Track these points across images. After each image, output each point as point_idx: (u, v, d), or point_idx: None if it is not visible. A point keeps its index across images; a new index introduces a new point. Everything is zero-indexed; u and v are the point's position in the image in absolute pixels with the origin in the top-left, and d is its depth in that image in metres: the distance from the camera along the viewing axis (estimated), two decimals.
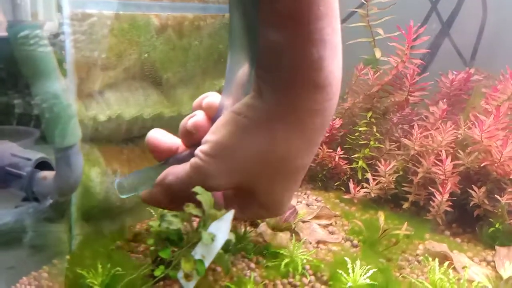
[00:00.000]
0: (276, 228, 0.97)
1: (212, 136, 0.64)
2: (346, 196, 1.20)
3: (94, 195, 0.86)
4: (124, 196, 0.73)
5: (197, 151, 0.65)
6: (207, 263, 0.68)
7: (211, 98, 0.70)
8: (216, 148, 0.63)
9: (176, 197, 0.68)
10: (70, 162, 0.65)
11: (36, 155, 0.69)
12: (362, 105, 1.25)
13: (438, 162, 1.05)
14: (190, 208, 0.65)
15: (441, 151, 1.06)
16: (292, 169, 0.66)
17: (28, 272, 0.77)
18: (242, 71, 0.66)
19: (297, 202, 1.13)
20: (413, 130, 1.12)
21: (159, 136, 0.72)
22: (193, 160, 0.65)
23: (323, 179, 1.28)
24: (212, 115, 0.69)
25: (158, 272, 0.66)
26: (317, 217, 1.06)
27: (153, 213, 0.92)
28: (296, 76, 0.58)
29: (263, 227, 0.97)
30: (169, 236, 0.68)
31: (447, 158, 1.04)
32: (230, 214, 0.66)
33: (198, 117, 0.69)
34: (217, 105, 0.69)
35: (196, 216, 0.68)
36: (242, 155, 0.63)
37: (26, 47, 0.64)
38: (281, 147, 0.62)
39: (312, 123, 0.62)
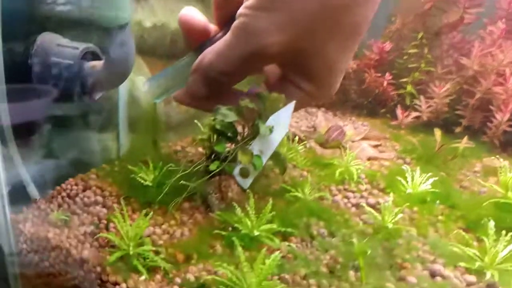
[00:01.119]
0: (325, 146, 0.94)
1: None
2: (393, 122, 1.15)
3: (139, 104, 0.84)
4: (157, 100, 0.68)
5: (241, 9, 0.56)
6: (264, 159, 0.65)
7: None
8: None
9: (216, 84, 0.61)
10: (122, 43, 0.62)
11: (83, 44, 0.66)
12: (412, 26, 1.17)
13: (501, 81, 0.98)
14: (246, 102, 0.62)
15: (503, 70, 0.99)
16: (351, 23, 0.56)
17: (74, 175, 0.76)
18: None
19: (343, 124, 1.09)
20: (472, 48, 1.04)
21: (194, 14, 0.63)
22: (235, 22, 0.57)
23: (368, 105, 1.22)
24: None
25: (213, 167, 0.64)
26: (365, 138, 1.02)
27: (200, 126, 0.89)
28: None
29: (312, 142, 0.94)
30: (224, 131, 0.65)
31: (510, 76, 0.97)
32: (291, 106, 0.62)
33: None
34: None
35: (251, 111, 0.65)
36: (296, 2, 0.53)
37: None
38: None
39: None
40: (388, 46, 1.16)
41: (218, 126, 0.64)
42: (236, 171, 0.65)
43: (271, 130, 0.61)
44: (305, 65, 0.59)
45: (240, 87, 0.66)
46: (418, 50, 1.15)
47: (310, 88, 0.61)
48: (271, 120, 0.63)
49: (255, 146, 0.64)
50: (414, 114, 1.11)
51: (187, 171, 0.66)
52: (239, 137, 0.66)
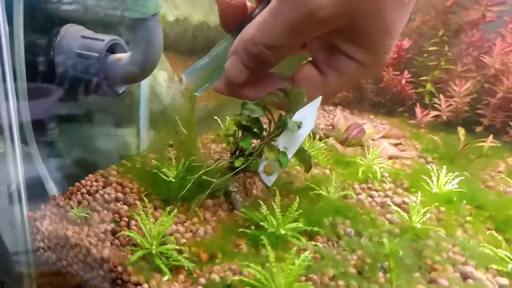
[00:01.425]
0: (345, 144, 0.93)
1: None
2: (412, 121, 1.13)
3: (161, 99, 0.82)
4: (198, 93, 0.64)
5: None
6: (289, 155, 0.64)
7: None
8: None
9: (259, 63, 0.55)
10: (150, 35, 0.60)
11: (108, 36, 0.64)
12: (433, 23, 1.15)
13: None
14: (272, 96, 0.61)
15: None
16: None
17: (95, 170, 0.75)
18: None
19: (362, 122, 1.08)
20: (494, 46, 1.02)
21: None
22: None
23: (386, 104, 1.21)
24: None
25: (238, 163, 0.63)
26: (385, 136, 1.00)
27: (221, 125, 0.87)
28: None
29: (332, 140, 0.92)
30: (250, 126, 0.63)
31: None
32: (317, 101, 0.61)
33: None
34: None
35: (278, 107, 0.63)
36: None
37: None
38: None
39: None
40: (406, 43, 1.14)
41: (244, 122, 0.62)
42: (261, 167, 0.64)
43: (299, 125, 0.60)
44: (359, 29, 0.53)
45: (283, 73, 0.61)
46: (438, 48, 1.13)
47: (365, 56, 0.54)
48: (298, 115, 0.61)
49: (280, 142, 0.63)
50: (434, 113, 1.09)
51: (211, 167, 0.65)
52: (264, 133, 0.65)
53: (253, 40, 0.53)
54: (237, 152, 0.65)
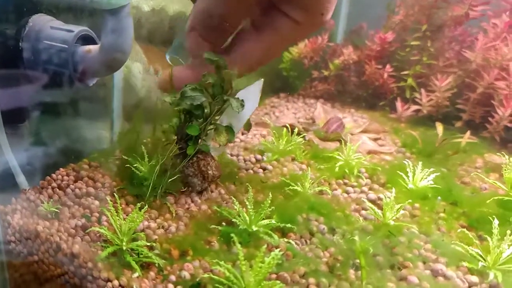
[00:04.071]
0: (324, 138, 0.92)
1: None
2: (392, 115, 1.13)
3: (135, 91, 0.81)
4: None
5: None
6: (236, 131, 0.67)
7: None
8: None
9: (215, 31, 0.57)
10: (120, 27, 0.59)
11: (78, 27, 0.62)
12: (416, 18, 1.15)
13: (504, 75, 0.96)
14: (207, 77, 0.60)
15: (507, 64, 0.97)
16: None
17: (66, 163, 0.74)
18: None
19: (342, 116, 1.07)
20: (476, 41, 1.02)
21: None
22: None
23: (368, 97, 1.20)
24: None
25: (190, 150, 0.64)
26: (365, 131, 1.00)
27: None
28: None
29: (311, 135, 0.92)
30: (192, 111, 0.63)
31: None
32: (260, 82, 0.65)
33: None
34: None
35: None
36: None
37: None
38: None
39: None
40: (390, 36, 1.14)
41: (186, 107, 0.63)
42: (212, 147, 0.67)
43: (242, 104, 0.61)
44: None
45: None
46: (421, 43, 1.13)
47: (301, 15, 0.55)
48: (240, 95, 0.63)
49: (224, 120, 0.66)
50: (414, 107, 1.09)
51: (164, 159, 0.65)
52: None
53: (208, 12, 0.55)
54: (184, 136, 0.66)
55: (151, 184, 0.64)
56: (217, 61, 0.57)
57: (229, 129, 0.64)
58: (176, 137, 0.66)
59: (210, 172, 0.66)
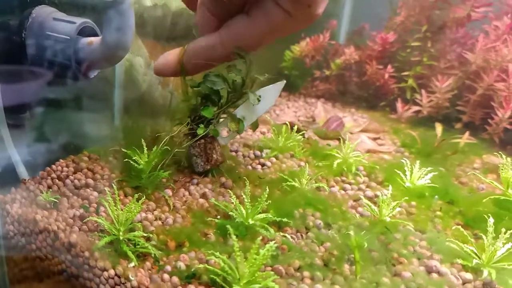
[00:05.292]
0: (323, 137, 0.93)
1: None
2: (392, 116, 1.13)
3: (137, 85, 0.81)
4: None
5: None
6: (246, 124, 0.69)
7: None
8: None
9: (224, 6, 0.58)
10: (121, 19, 0.59)
11: (80, 19, 0.63)
12: (417, 19, 1.15)
13: (504, 77, 0.96)
14: (232, 69, 0.62)
15: (507, 66, 0.97)
16: None
17: (66, 156, 0.74)
18: None
19: (342, 116, 1.07)
20: (477, 42, 1.02)
21: None
22: None
23: (368, 98, 1.21)
24: None
25: (200, 131, 0.66)
26: (364, 130, 1.00)
27: None
28: None
29: (310, 133, 0.92)
30: (210, 95, 0.66)
31: None
32: (281, 83, 0.67)
33: None
34: None
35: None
36: None
37: None
38: None
39: None
40: (391, 37, 1.14)
41: (206, 92, 0.65)
42: (221, 133, 0.69)
43: (259, 99, 0.64)
44: None
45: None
46: (421, 44, 1.13)
47: (289, 5, 0.55)
48: (259, 92, 0.66)
49: (238, 112, 0.68)
50: (414, 108, 1.09)
51: (173, 134, 0.67)
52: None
53: None
54: (197, 118, 0.68)
55: (149, 174, 0.65)
56: (245, 56, 0.60)
57: (241, 121, 0.67)
58: (189, 118, 0.68)
59: (214, 156, 0.68)
